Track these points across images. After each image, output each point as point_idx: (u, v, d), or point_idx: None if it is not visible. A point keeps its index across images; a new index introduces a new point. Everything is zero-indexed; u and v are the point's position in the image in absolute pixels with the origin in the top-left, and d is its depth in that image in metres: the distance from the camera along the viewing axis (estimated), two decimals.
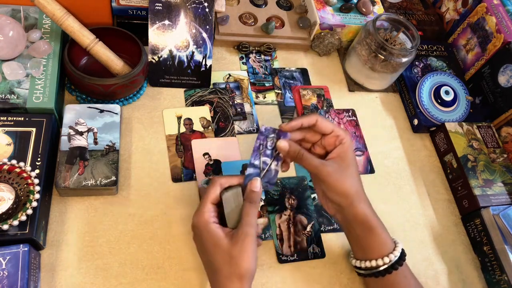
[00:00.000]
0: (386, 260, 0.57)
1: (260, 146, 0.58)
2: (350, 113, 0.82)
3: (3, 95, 0.61)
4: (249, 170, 0.58)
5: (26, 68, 0.63)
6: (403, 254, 0.59)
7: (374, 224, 0.58)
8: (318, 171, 0.58)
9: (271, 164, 0.58)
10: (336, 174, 0.57)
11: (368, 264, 0.59)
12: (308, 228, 0.67)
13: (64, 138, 0.62)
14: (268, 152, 0.58)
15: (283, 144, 0.58)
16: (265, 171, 0.58)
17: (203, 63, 0.75)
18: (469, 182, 0.73)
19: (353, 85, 0.86)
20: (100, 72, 0.70)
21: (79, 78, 0.64)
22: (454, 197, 0.77)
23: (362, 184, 0.60)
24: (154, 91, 0.75)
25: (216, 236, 0.53)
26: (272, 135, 0.58)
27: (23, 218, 0.51)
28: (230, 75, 0.80)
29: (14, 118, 0.59)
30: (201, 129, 0.72)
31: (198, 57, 0.75)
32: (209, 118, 0.74)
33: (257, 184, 0.57)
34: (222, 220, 0.56)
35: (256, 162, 0.58)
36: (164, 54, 0.73)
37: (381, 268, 0.58)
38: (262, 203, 0.68)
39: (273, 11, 0.88)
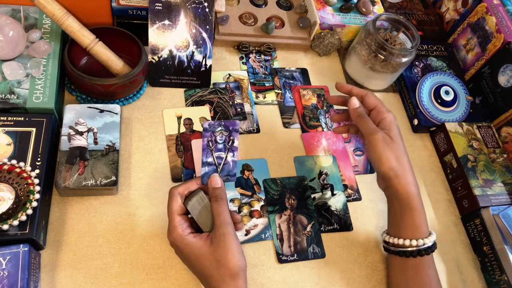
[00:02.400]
0: (414, 242, 0.58)
1: (208, 143, 0.57)
2: None
3: (3, 95, 0.61)
4: (204, 169, 0.57)
5: (26, 68, 0.63)
6: (433, 246, 0.59)
7: (414, 205, 0.59)
8: (369, 134, 0.61)
9: (226, 156, 0.58)
10: (384, 144, 0.60)
11: (397, 241, 0.60)
12: (308, 228, 0.67)
13: (64, 138, 0.62)
14: (220, 146, 0.58)
15: (355, 101, 0.64)
16: (221, 165, 0.58)
17: (203, 63, 0.75)
18: (469, 182, 0.73)
19: (353, 85, 0.86)
20: (100, 72, 0.70)
21: (79, 78, 0.64)
22: (454, 197, 0.77)
23: (410, 164, 0.62)
24: (154, 91, 0.75)
25: (195, 247, 0.52)
26: (219, 128, 0.57)
27: (23, 218, 0.51)
28: (230, 75, 0.81)
29: (14, 118, 0.59)
30: (201, 129, 0.72)
31: (198, 57, 0.75)
32: (209, 118, 0.74)
33: (217, 180, 0.56)
34: (196, 226, 0.56)
35: (209, 160, 0.57)
36: (164, 54, 0.73)
37: (408, 249, 0.59)
38: (262, 203, 0.68)
39: (273, 11, 0.88)
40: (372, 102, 0.64)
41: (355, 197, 0.73)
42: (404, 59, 0.79)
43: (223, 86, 0.78)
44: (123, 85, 0.67)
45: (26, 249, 0.51)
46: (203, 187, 0.57)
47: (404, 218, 0.60)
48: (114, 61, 0.69)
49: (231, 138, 0.58)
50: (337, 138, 0.78)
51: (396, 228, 0.61)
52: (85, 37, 0.66)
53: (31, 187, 0.54)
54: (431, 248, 0.59)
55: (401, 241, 0.59)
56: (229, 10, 0.84)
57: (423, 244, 0.58)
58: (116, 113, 0.66)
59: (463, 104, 0.84)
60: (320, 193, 0.71)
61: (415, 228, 0.59)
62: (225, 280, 0.51)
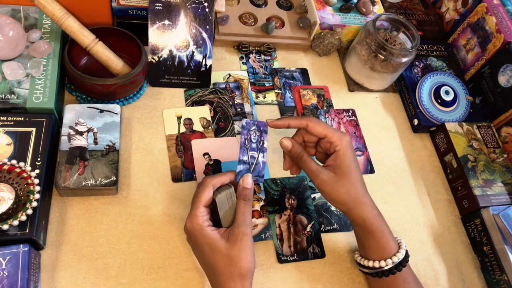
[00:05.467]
0: (383, 263, 0.58)
1: (245, 141, 0.58)
2: (350, 113, 0.82)
3: (3, 95, 0.61)
4: (239, 167, 0.58)
5: (26, 68, 0.63)
6: (404, 260, 0.58)
7: (374, 228, 0.58)
8: (313, 177, 0.59)
9: (258, 157, 0.59)
10: (330, 183, 0.58)
11: (369, 263, 0.59)
12: (308, 228, 0.67)
13: (64, 138, 0.62)
14: (254, 145, 0.59)
15: (286, 143, 0.60)
16: (253, 165, 0.58)
17: (203, 63, 0.75)
18: (469, 182, 0.73)
19: (353, 85, 0.86)
20: (100, 72, 0.70)
21: (79, 78, 0.64)
22: (454, 197, 0.77)
23: (364, 186, 0.60)
24: (154, 91, 0.75)
25: (212, 239, 0.53)
26: (253, 127, 0.59)
27: (23, 218, 0.51)
28: (230, 75, 0.80)
29: (14, 118, 0.59)
30: (201, 129, 0.72)
31: (198, 57, 0.75)
32: (209, 118, 0.74)
33: (249, 181, 0.57)
34: (214, 219, 0.56)
35: (245, 158, 0.58)
36: (164, 54, 0.73)
37: (377, 271, 0.58)
38: (262, 203, 0.68)
39: (273, 11, 0.88)
40: (319, 131, 0.59)
41: None
42: (404, 59, 0.79)
43: (223, 86, 0.78)
44: (123, 85, 0.67)
45: (26, 249, 0.51)
46: (234, 183, 0.58)
47: (367, 241, 0.59)
48: (114, 61, 0.69)
49: (262, 138, 0.59)
50: None
51: (363, 250, 0.61)
52: (85, 37, 0.66)
53: (31, 187, 0.54)
54: (402, 264, 0.58)
55: (371, 263, 0.59)
56: (229, 10, 0.84)
57: (392, 263, 0.57)
58: (116, 113, 0.66)
59: (463, 104, 0.84)
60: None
61: (381, 249, 0.58)
62: (233, 278, 0.51)
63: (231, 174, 0.58)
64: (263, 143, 0.59)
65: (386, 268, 0.57)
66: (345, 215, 0.64)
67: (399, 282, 0.58)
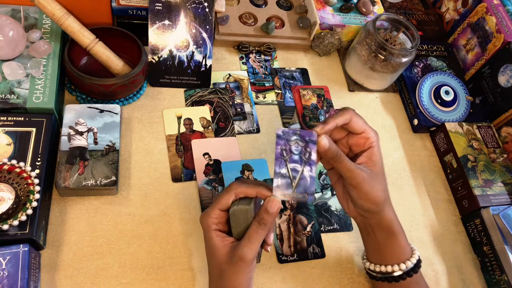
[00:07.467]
0: (403, 266, 0.56)
1: (282, 152, 0.51)
2: None
3: (3, 95, 0.61)
4: (277, 181, 0.50)
5: (26, 68, 0.63)
6: (419, 262, 0.58)
7: (396, 230, 0.57)
8: (353, 175, 0.53)
9: (303, 170, 0.51)
10: (369, 181, 0.53)
11: (383, 268, 0.58)
12: (308, 228, 0.67)
13: (64, 138, 0.62)
14: (296, 157, 0.51)
15: (324, 141, 0.52)
16: (297, 179, 0.51)
17: (203, 63, 0.75)
18: (469, 182, 0.73)
19: (353, 85, 0.86)
20: (100, 72, 0.70)
21: (79, 78, 0.64)
22: (454, 197, 0.77)
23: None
24: (154, 91, 0.75)
25: (213, 245, 0.51)
26: (294, 137, 0.51)
27: (23, 218, 0.51)
28: (230, 75, 0.81)
29: (14, 118, 0.59)
30: (201, 129, 0.72)
31: (198, 57, 0.75)
32: (209, 118, 0.74)
33: (274, 206, 0.50)
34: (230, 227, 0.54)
35: (283, 171, 0.50)
36: (164, 54, 0.73)
37: (396, 274, 0.57)
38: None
39: (273, 11, 0.88)
40: (360, 127, 0.55)
41: None
42: (404, 59, 0.79)
43: (223, 86, 0.78)
44: (123, 85, 0.67)
45: (26, 249, 0.51)
46: (265, 193, 0.51)
47: (389, 244, 0.57)
48: (114, 61, 0.69)
49: (307, 149, 0.52)
50: None
51: (379, 255, 0.59)
52: (85, 37, 0.66)
53: (31, 187, 0.54)
54: (418, 265, 0.57)
55: (389, 268, 0.57)
56: (229, 10, 0.84)
57: (412, 264, 0.56)
58: (116, 113, 0.66)
59: (463, 104, 0.84)
60: (320, 193, 0.71)
61: (400, 251, 0.57)
62: None
63: (259, 188, 0.51)
64: (310, 155, 0.51)
65: (405, 270, 0.56)
66: (358, 221, 0.60)
67: (413, 285, 0.57)
